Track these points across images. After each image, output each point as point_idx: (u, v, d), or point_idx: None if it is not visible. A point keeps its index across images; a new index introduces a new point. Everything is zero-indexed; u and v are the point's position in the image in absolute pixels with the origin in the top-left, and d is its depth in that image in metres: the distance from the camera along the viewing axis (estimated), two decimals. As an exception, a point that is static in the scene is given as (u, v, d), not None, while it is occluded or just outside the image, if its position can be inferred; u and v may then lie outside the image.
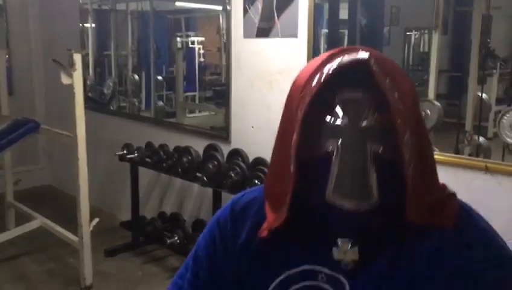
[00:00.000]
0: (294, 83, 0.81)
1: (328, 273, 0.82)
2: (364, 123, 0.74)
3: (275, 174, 0.85)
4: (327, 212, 0.77)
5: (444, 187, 0.84)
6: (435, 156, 2.29)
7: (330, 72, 0.74)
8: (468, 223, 0.79)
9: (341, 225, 0.77)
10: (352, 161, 0.73)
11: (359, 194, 0.73)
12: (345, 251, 0.77)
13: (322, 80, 0.74)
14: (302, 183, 0.79)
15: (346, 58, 0.75)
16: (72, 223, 3.10)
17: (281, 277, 0.85)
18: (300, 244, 0.85)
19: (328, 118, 0.75)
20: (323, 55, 0.79)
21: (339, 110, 0.75)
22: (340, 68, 0.74)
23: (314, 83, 0.75)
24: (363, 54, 0.75)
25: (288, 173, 0.78)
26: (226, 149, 3.01)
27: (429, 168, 0.80)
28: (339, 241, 0.77)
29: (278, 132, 0.83)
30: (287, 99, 0.82)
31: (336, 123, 0.75)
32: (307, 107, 0.75)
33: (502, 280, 0.75)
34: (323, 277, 0.82)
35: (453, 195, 0.83)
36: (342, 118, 0.74)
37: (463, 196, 2.18)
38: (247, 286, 0.89)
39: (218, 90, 4.02)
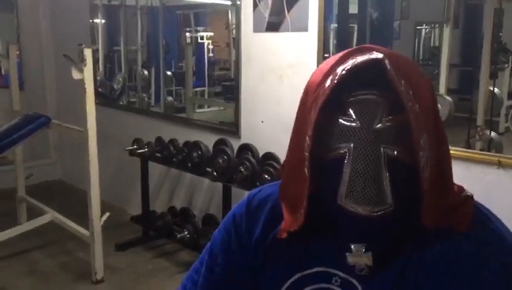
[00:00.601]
0: (308, 84, 0.80)
1: (342, 277, 0.81)
2: (377, 126, 0.72)
3: (290, 175, 0.83)
4: (341, 216, 0.76)
5: (460, 190, 0.82)
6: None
7: (344, 72, 0.73)
8: (483, 227, 0.77)
9: (355, 229, 0.76)
10: (365, 166, 0.71)
11: (372, 200, 0.71)
12: (358, 256, 0.76)
13: (335, 81, 0.73)
14: (319, 184, 0.78)
15: (360, 58, 0.73)
16: (83, 218, 3.12)
17: (295, 277, 0.85)
18: (316, 245, 0.84)
19: (341, 120, 0.74)
20: (337, 55, 0.78)
21: (351, 112, 0.73)
22: (354, 68, 0.72)
23: (327, 84, 0.74)
24: (377, 54, 0.73)
25: (303, 176, 0.77)
26: (235, 144, 3.01)
27: (446, 171, 0.78)
28: (353, 246, 0.76)
29: (292, 132, 0.82)
30: (301, 100, 0.81)
31: (349, 125, 0.73)
32: (319, 109, 0.73)
33: (509, 284, 0.73)
34: (337, 280, 0.82)
35: (470, 197, 0.80)
36: (355, 120, 0.73)
37: (476, 190, 2.16)
38: (261, 283, 0.90)
39: (227, 86, 4.02)
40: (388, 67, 0.71)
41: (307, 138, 0.75)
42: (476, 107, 2.58)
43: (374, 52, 0.74)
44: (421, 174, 0.71)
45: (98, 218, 3.00)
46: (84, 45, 2.79)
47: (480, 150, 2.36)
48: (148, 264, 3.32)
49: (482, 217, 0.79)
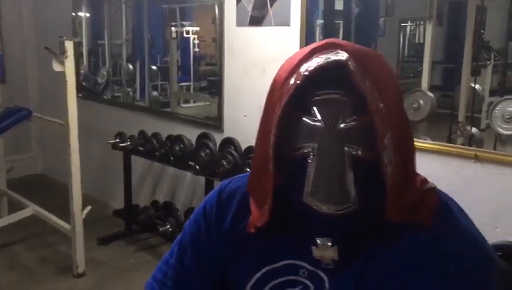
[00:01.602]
0: (274, 80, 0.80)
1: (309, 269, 0.83)
2: (341, 125, 0.72)
3: (257, 171, 0.84)
4: (306, 212, 0.76)
5: (423, 183, 0.83)
6: (427, 145, 2.29)
7: (306, 73, 0.73)
8: (444, 218, 0.78)
9: (321, 225, 0.77)
10: (329, 165, 0.72)
11: (336, 199, 0.72)
12: (324, 250, 0.78)
13: (298, 82, 0.73)
14: (286, 181, 0.79)
15: (324, 58, 0.73)
16: (65, 212, 3.10)
17: (264, 270, 0.86)
18: (284, 239, 0.85)
19: (305, 118, 0.74)
20: (303, 50, 0.78)
21: (316, 111, 0.73)
22: (318, 69, 0.72)
23: (291, 83, 0.74)
24: (342, 54, 0.73)
25: (268, 172, 0.78)
26: (218, 138, 3.01)
27: (410, 167, 0.79)
28: (318, 240, 0.77)
29: (259, 128, 0.82)
30: (267, 96, 0.80)
31: (313, 125, 0.73)
32: (283, 108, 0.74)
33: (474, 275, 0.75)
34: (305, 272, 0.83)
35: (433, 189, 0.82)
36: (319, 120, 0.73)
37: (453, 183, 2.19)
38: (230, 275, 0.91)
39: (213, 81, 4.01)
40: (352, 69, 0.71)
41: (271, 135, 0.75)
42: (458, 103, 2.61)
43: (339, 51, 0.73)
44: (384, 172, 0.72)
45: (79, 211, 2.99)
46: (65, 37, 2.77)
47: (462, 144, 2.39)
48: (131, 258, 3.32)
49: (444, 209, 0.80)
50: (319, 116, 0.73)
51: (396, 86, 0.78)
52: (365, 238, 0.79)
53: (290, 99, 0.73)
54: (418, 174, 0.83)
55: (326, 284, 0.81)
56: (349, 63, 0.71)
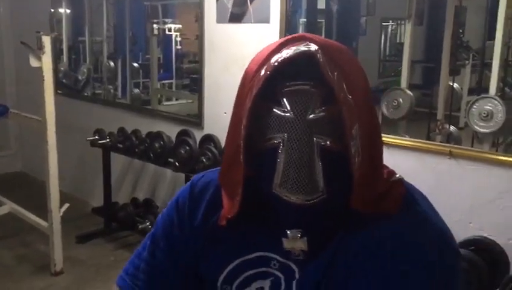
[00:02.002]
0: (245, 72, 0.80)
1: (280, 261, 0.83)
2: (310, 116, 0.73)
3: (228, 162, 0.84)
4: (276, 203, 0.77)
5: (390, 174, 0.84)
6: (404, 142, 2.32)
7: (276, 64, 0.73)
8: (410, 209, 0.80)
9: (290, 216, 0.78)
10: (298, 155, 0.72)
11: (305, 188, 0.73)
12: (294, 241, 0.78)
13: (268, 72, 0.73)
14: (256, 172, 0.80)
15: (295, 49, 0.74)
16: (43, 209, 3.07)
17: (236, 262, 0.86)
18: (255, 231, 0.86)
19: (275, 109, 0.74)
20: (274, 43, 0.78)
21: (285, 102, 0.74)
22: (287, 60, 0.73)
23: (261, 74, 0.74)
24: (311, 46, 0.74)
25: (239, 163, 0.78)
26: (198, 135, 3.01)
27: (377, 158, 0.80)
28: (288, 231, 0.78)
29: (230, 119, 0.82)
30: (239, 87, 0.81)
31: (283, 116, 0.74)
32: (253, 99, 0.74)
33: (439, 264, 0.76)
34: (276, 263, 0.84)
35: (400, 181, 0.83)
36: (289, 110, 0.73)
37: (429, 179, 2.22)
38: (202, 268, 0.91)
39: (195, 78, 4.00)
40: (321, 60, 0.72)
41: (242, 127, 0.76)
42: (437, 102, 2.64)
43: (309, 43, 0.74)
44: (351, 163, 0.73)
45: (57, 209, 2.96)
46: (42, 32, 2.73)
47: (440, 142, 2.42)
48: (110, 255, 3.29)
49: (410, 201, 0.81)
50: (288, 107, 0.73)
51: (365, 79, 0.79)
52: (334, 229, 0.80)
53: (260, 91, 0.74)
54: (385, 167, 0.84)
55: (296, 275, 0.82)
56: (318, 54, 0.72)
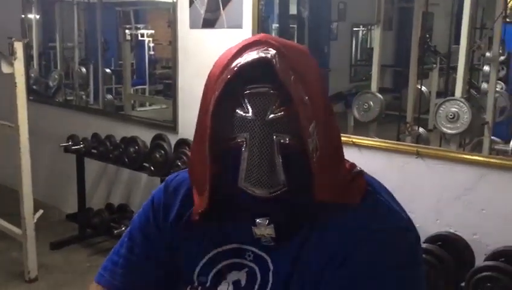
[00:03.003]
0: (208, 76, 0.86)
1: (254, 252, 0.88)
2: (270, 116, 0.78)
3: (196, 161, 0.89)
4: (243, 196, 0.82)
5: (352, 167, 0.90)
6: (374, 143, 2.38)
7: (236, 69, 0.79)
8: (371, 197, 0.86)
9: (258, 207, 0.83)
10: (259, 152, 0.78)
11: (267, 182, 0.79)
12: (262, 229, 0.84)
13: (228, 76, 0.79)
14: (223, 168, 0.85)
15: (253, 54, 0.79)
16: (16, 217, 3.04)
17: (210, 254, 0.91)
18: (228, 223, 0.90)
19: (238, 110, 0.80)
20: (235, 47, 0.83)
21: (247, 104, 0.79)
22: (246, 66, 0.79)
23: (222, 78, 0.80)
24: (268, 51, 0.79)
25: (205, 161, 0.83)
26: (173, 139, 3.03)
27: (336, 152, 0.86)
28: (257, 220, 0.84)
29: (197, 121, 0.87)
30: (204, 90, 0.86)
31: (244, 116, 0.79)
32: (216, 101, 0.79)
33: (403, 247, 0.82)
34: (250, 255, 0.88)
35: (360, 173, 0.89)
36: (250, 111, 0.79)
37: (397, 178, 2.28)
38: (179, 262, 0.94)
39: (168, 84, 4.01)
40: (277, 66, 0.77)
41: (207, 128, 0.81)
42: (406, 105, 2.71)
43: (267, 47, 0.80)
44: (310, 158, 0.79)
45: (30, 215, 2.93)
46: (14, 38, 2.72)
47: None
48: (85, 261, 3.28)
49: (371, 190, 0.87)
50: (249, 109, 0.79)
51: (320, 79, 0.85)
52: (299, 218, 0.86)
53: (222, 93, 0.79)
54: (346, 160, 0.90)
55: (270, 265, 0.86)
56: (274, 60, 0.78)
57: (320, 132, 0.80)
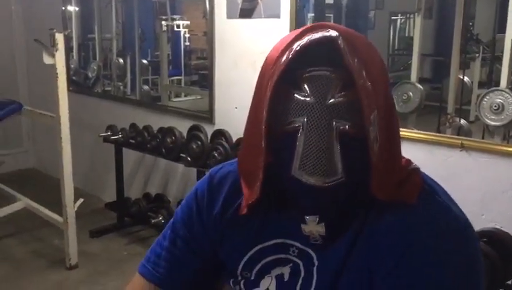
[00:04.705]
0: (266, 59, 0.82)
1: (299, 247, 0.85)
2: (330, 101, 0.74)
3: (248, 149, 0.86)
4: (295, 187, 0.78)
5: (408, 163, 0.85)
6: (414, 135, 2.32)
7: (298, 48, 0.75)
8: (428, 198, 0.81)
9: (309, 200, 0.79)
10: (317, 138, 0.74)
11: (324, 171, 0.74)
12: (312, 226, 0.80)
13: (290, 57, 0.75)
14: (275, 158, 0.81)
15: (316, 35, 0.75)
16: (57, 205, 3.11)
17: (255, 249, 0.89)
18: (273, 218, 0.88)
19: (296, 94, 0.76)
20: (295, 32, 0.80)
21: (306, 87, 0.75)
22: (309, 45, 0.75)
23: (283, 60, 0.76)
24: (332, 32, 0.75)
25: (259, 149, 0.79)
26: (209, 130, 3.03)
27: (395, 145, 0.81)
28: (307, 217, 0.79)
29: (251, 106, 0.84)
30: (259, 75, 0.83)
31: (303, 100, 0.75)
32: (275, 84, 0.76)
33: (460, 253, 0.77)
34: (295, 250, 0.86)
35: (417, 170, 0.85)
36: (309, 95, 0.75)
37: (440, 172, 2.22)
38: (222, 256, 0.93)
39: (204, 74, 4.02)
40: (341, 46, 0.73)
41: (264, 111, 0.77)
42: (447, 95, 2.64)
43: (330, 30, 0.76)
44: (370, 148, 0.74)
45: (71, 204, 3.00)
46: (55, 30, 2.77)
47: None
48: (123, 250, 3.33)
49: (428, 190, 0.82)
50: (308, 92, 0.75)
51: (383, 67, 0.80)
52: (352, 216, 0.82)
53: (281, 76, 0.76)
54: (402, 156, 0.85)
55: (315, 261, 0.84)
56: (339, 40, 0.74)
57: (381, 122, 0.75)
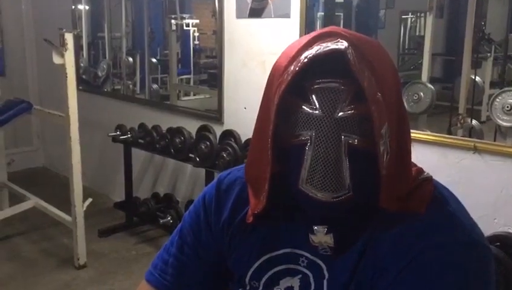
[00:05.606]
0: (274, 67, 0.80)
1: (308, 258, 0.83)
2: (339, 114, 0.72)
3: (254, 159, 0.84)
4: (302, 200, 0.76)
5: (419, 172, 0.83)
6: (427, 137, 2.29)
7: (306, 60, 0.72)
8: (437, 207, 0.78)
9: (317, 212, 0.77)
10: (325, 153, 0.72)
11: (331, 186, 0.72)
12: (320, 237, 0.78)
13: (297, 68, 0.73)
14: (282, 168, 0.79)
15: (324, 46, 0.72)
16: (66, 204, 3.12)
17: (263, 258, 0.87)
18: (282, 227, 0.86)
19: (304, 106, 0.74)
20: (303, 39, 0.77)
21: (314, 99, 0.73)
22: (317, 57, 0.72)
23: (290, 70, 0.73)
24: (341, 43, 0.72)
25: (266, 159, 0.78)
26: (218, 130, 3.02)
27: (405, 157, 0.79)
28: (315, 227, 0.78)
29: (258, 115, 0.82)
30: (267, 84, 0.80)
31: (311, 113, 0.73)
32: (282, 95, 0.73)
33: (469, 265, 0.74)
34: (304, 260, 0.84)
35: (428, 179, 0.82)
36: (317, 108, 0.73)
37: (452, 174, 2.19)
38: (230, 263, 0.92)
39: (213, 73, 4.01)
40: (351, 59, 0.70)
41: (271, 123, 0.75)
42: (458, 95, 2.61)
43: (340, 39, 0.73)
44: (380, 161, 0.72)
45: (80, 203, 3.00)
46: (65, 29, 2.77)
47: (462, 136, 2.39)
48: (132, 249, 3.33)
49: (439, 199, 0.80)
50: (317, 105, 0.73)
51: (395, 74, 0.78)
52: (360, 227, 0.80)
53: (289, 87, 0.73)
54: (413, 164, 0.83)
55: (325, 273, 0.82)
56: (348, 52, 0.71)
57: (391, 134, 0.73)
